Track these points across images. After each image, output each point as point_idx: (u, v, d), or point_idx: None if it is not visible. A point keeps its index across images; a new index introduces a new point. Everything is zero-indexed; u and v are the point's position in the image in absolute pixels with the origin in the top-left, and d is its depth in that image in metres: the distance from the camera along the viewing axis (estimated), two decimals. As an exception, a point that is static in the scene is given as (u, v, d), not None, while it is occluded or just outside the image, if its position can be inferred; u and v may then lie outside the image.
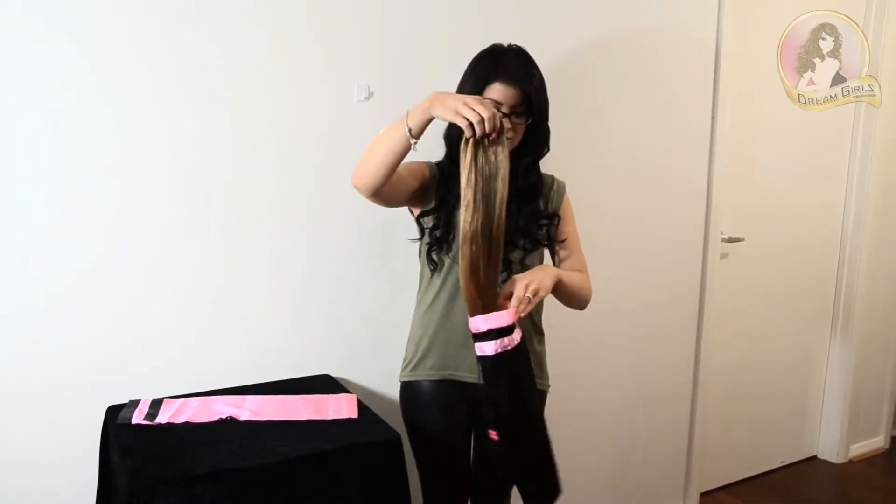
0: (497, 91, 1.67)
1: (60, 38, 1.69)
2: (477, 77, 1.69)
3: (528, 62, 1.73)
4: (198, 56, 1.83)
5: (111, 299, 1.82)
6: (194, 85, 1.84)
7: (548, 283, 1.64)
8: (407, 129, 1.52)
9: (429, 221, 1.79)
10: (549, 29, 2.31)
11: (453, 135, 1.75)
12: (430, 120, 1.53)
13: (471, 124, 1.47)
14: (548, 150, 1.82)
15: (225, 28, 1.85)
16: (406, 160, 1.60)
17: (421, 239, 1.83)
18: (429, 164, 1.81)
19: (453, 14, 2.12)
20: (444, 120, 1.52)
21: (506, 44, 1.76)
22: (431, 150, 1.79)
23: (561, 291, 1.75)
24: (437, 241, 1.76)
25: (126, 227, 1.81)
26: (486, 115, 1.47)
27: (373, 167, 1.58)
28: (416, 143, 1.53)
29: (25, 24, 1.66)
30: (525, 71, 1.70)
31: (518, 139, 1.73)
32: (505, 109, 1.67)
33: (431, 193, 1.78)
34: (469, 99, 1.49)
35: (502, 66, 1.68)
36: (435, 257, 1.79)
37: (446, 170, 1.79)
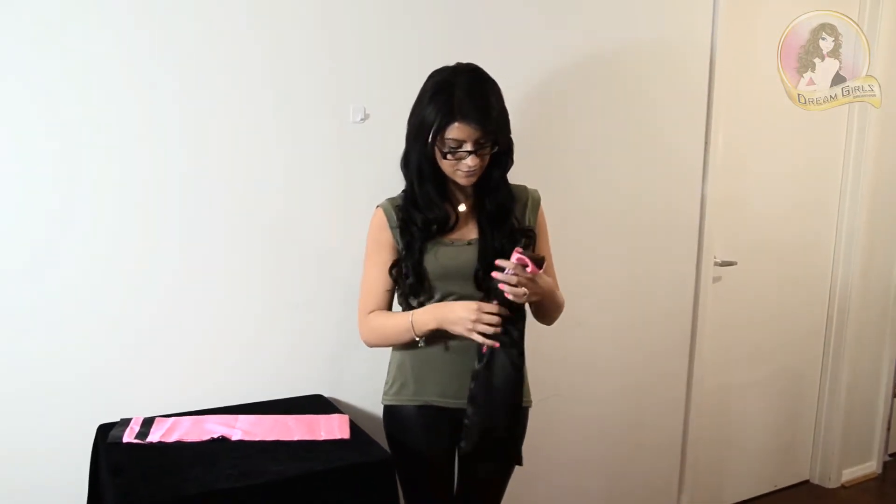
0: (457, 130, 1.63)
1: (68, 43, 1.71)
2: (433, 119, 1.64)
3: (482, 89, 1.67)
4: (195, 75, 1.85)
5: (103, 318, 1.82)
6: (189, 107, 1.85)
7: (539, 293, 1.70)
8: (417, 338, 1.73)
9: (399, 271, 1.77)
10: (537, 51, 2.33)
11: (412, 164, 1.73)
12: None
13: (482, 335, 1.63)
14: (512, 162, 1.79)
15: (223, 44, 1.87)
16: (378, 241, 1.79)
17: (396, 288, 1.81)
18: (387, 214, 1.77)
19: (445, 35, 2.15)
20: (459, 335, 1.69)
21: (453, 63, 1.72)
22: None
23: (548, 301, 1.77)
24: (412, 287, 1.75)
25: (118, 247, 1.82)
26: (495, 326, 1.63)
27: (385, 345, 1.84)
28: (422, 343, 1.74)
29: (29, 24, 1.67)
30: (482, 103, 1.64)
31: (485, 164, 1.71)
32: (469, 147, 1.65)
33: (397, 241, 1.77)
34: (474, 314, 1.63)
35: (458, 103, 1.62)
36: (413, 303, 1.78)
37: (404, 209, 1.76)
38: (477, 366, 1.70)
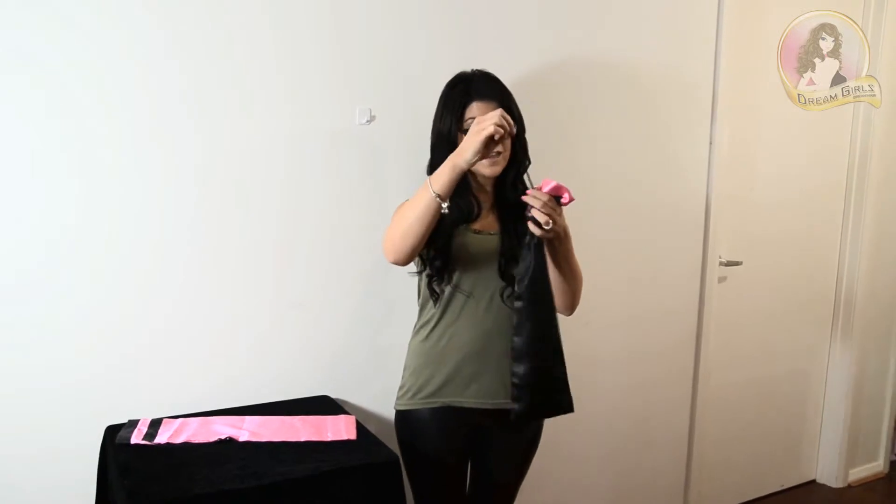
0: (476, 109, 1.74)
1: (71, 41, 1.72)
2: (454, 103, 1.77)
3: (496, 81, 1.81)
4: (204, 79, 1.86)
5: (109, 320, 1.83)
6: (197, 109, 1.86)
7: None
8: (435, 196, 1.58)
9: (427, 252, 1.78)
10: (545, 54, 2.33)
11: (440, 161, 1.74)
12: (457, 179, 1.59)
13: (498, 128, 1.53)
14: (529, 162, 1.84)
15: (230, 48, 1.88)
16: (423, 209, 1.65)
17: (421, 272, 1.83)
18: None
19: (451, 38, 2.15)
20: (475, 156, 1.56)
21: (460, 66, 1.83)
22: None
23: (564, 251, 1.71)
24: (438, 271, 1.77)
25: (125, 248, 1.82)
26: (497, 119, 1.53)
27: (411, 240, 1.63)
28: (446, 205, 1.59)
29: (32, 22, 1.68)
30: (497, 87, 1.79)
31: (508, 154, 1.76)
32: None
33: None
34: (478, 125, 1.56)
35: (475, 86, 1.77)
36: (437, 288, 1.80)
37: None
38: (517, 304, 1.66)
